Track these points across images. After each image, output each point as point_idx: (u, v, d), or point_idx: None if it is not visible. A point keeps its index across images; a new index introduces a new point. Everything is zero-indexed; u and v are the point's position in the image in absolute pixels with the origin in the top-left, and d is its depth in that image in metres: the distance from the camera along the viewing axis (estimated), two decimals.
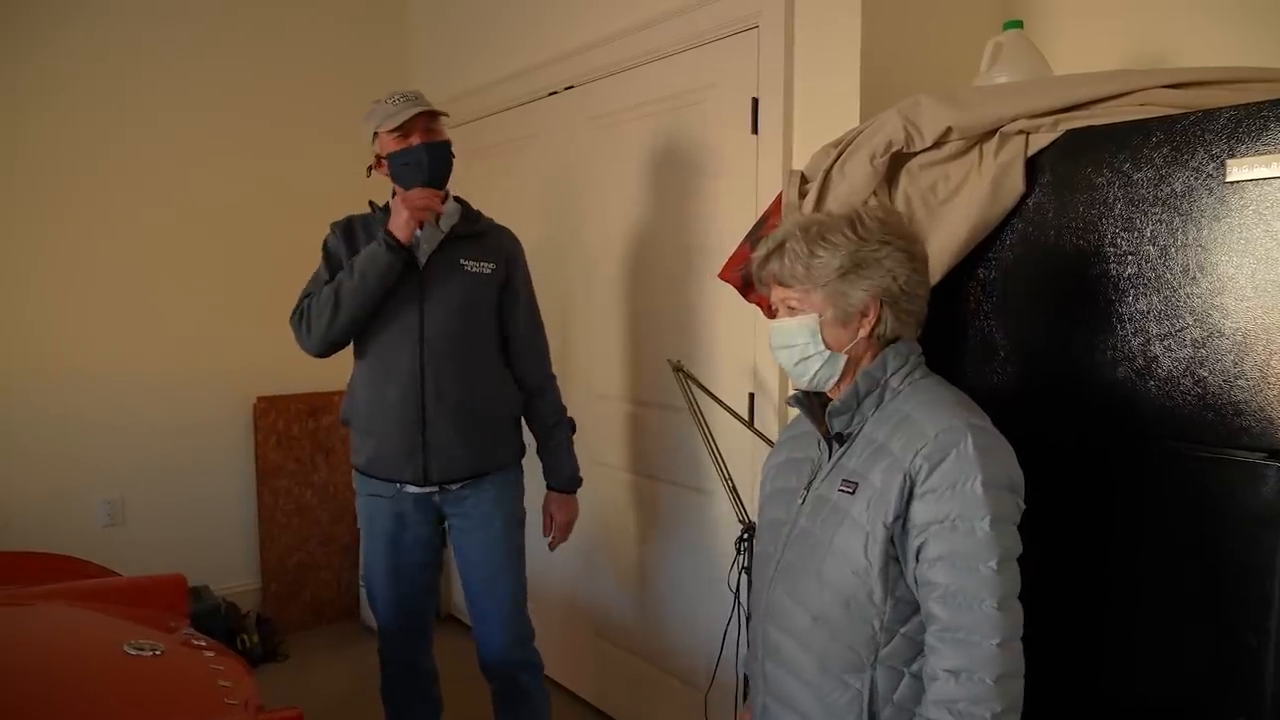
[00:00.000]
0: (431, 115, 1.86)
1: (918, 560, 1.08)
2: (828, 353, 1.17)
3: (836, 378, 1.19)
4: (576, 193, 2.67)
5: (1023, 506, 1.10)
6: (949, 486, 1.06)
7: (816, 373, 1.18)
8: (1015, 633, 1.05)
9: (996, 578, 1.03)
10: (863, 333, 1.16)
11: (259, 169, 3.20)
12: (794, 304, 1.18)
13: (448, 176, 1.91)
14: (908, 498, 1.08)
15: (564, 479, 2.08)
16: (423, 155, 1.84)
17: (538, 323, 2.09)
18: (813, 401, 1.25)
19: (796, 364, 1.19)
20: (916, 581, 1.09)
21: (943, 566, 1.05)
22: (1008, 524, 1.07)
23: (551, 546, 2.13)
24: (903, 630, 1.11)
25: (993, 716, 1.02)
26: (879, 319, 1.15)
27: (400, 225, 1.82)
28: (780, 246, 1.18)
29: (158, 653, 1.47)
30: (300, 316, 1.90)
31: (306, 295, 1.92)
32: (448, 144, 1.90)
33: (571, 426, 2.12)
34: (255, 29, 3.17)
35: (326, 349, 1.91)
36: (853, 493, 1.13)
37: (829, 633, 1.14)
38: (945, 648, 1.05)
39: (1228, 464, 1.15)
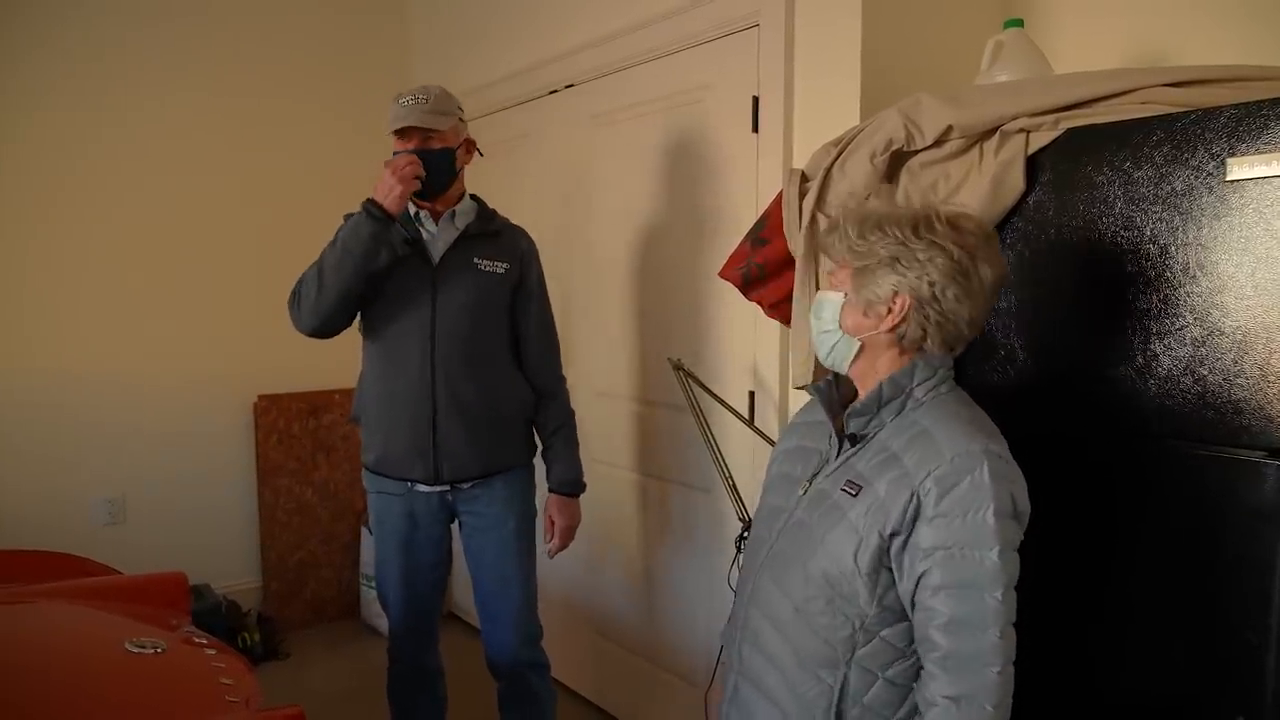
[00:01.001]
0: (425, 127, 1.82)
1: (918, 584, 1.07)
2: (839, 334, 1.17)
3: (849, 361, 1.19)
4: (576, 191, 2.67)
5: (1022, 536, 1.10)
6: (960, 514, 1.05)
7: (833, 349, 1.19)
8: (1010, 657, 1.06)
9: (1001, 607, 1.04)
10: (883, 327, 1.14)
11: (258, 168, 3.20)
12: (834, 280, 1.20)
13: (447, 183, 1.90)
14: (913, 517, 1.07)
15: (567, 481, 2.05)
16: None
17: (550, 324, 2.08)
18: (833, 394, 1.24)
19: (818, 335, 1.21)
20: (914, 604, 1.08)
21: (947, 595, 1.05)
22: (1012, 552, 1.07)
23: (551, 553, 2.07)
24: (883, 634, 1.11)
25: None
26: (904, 319, 1.12)
27: (385, 193, 1.77)
28: (841, 223, 1.18)
29: (159, 651, 1.47)
30: (293, 295, 1.87)
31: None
32: (445, 151, 1.87)
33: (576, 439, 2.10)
34: (253, 29, 3.17)
35: (318, 326, 1.85)
36: (855, 495, 1.13)
37: (809, 626, 1.14)
38: (946, 675, 1.05)
39: (1227, 462, 1.15)
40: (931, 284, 1.10)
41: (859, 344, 1.17)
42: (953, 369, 1.19)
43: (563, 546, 2.07)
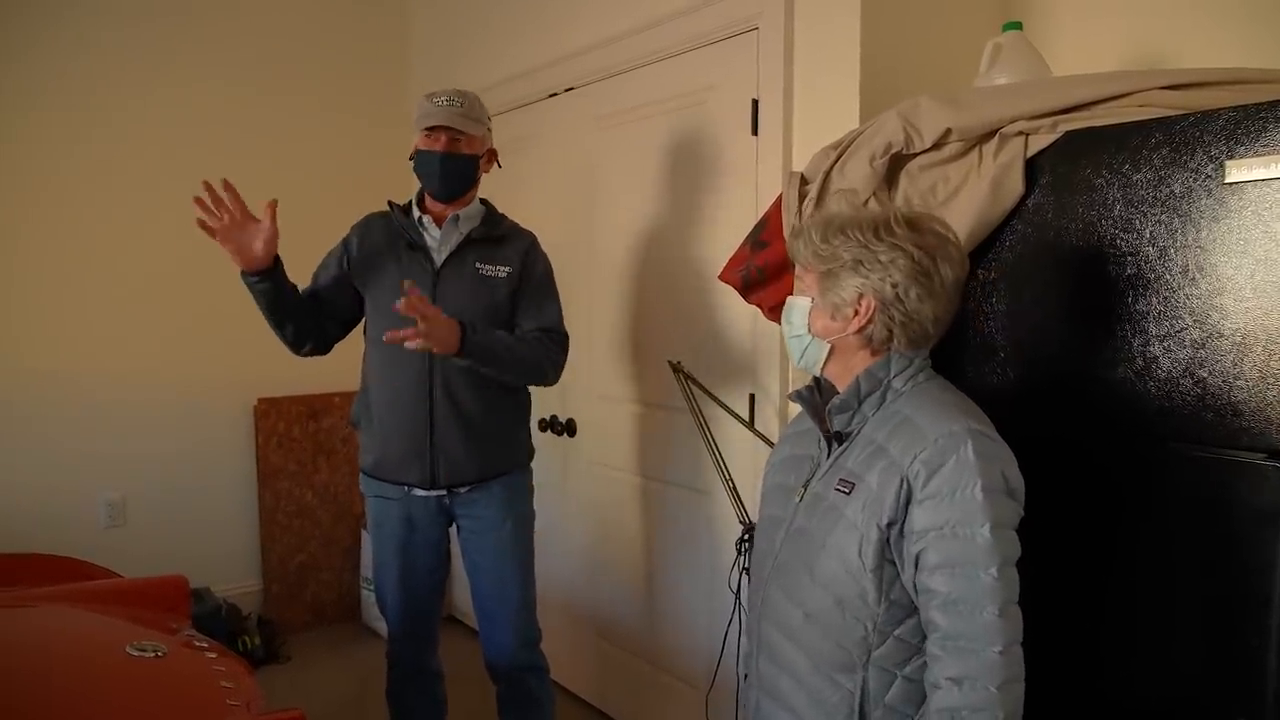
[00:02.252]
0: (458, 129, 1.86)
1: (917, 567, 1.08)
2: (809, 338, 1.20)
3: (821, 363, 1.21)
4: (577, 194, 2.67)
5: (1021, 513, 1.10)
6: (949, 493, 1.06)
7: (804, 353, 1.22)
8: (1016, 637, 1.05)
9: (997, 584, 1.04)
10: (850, 329, 1.16)
11: (258, 169, 3.17)
12: (801, 285, 1.22)
13: (464, 190, 1.92)
14: (905, 502, 1.08)
15: (469, 328, 1.77)
16: (435, 165, 1.87)
17: (547, 298, 1.99)
18: (815, 398, 1.25)
19: (789, 339, 1.24)
20: (915, 588, 1.09)
21: (943, 574, 1.05)
22: (1007, 529, 1.07)
23: (406, 295, 1.66)
24: (896, 633, 1.11)
25: None
26: (870, 320, 1.14)
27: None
28: (805, 229, 1.20)
29: (160, 654, 1.47)
30: None
31: (310, 286, 1.99)
32: (470, 158, 1.90)
33: (531, 367, 1.90)
34: (254, 31, 3.17)
35: (292, 350, 1.94)
36: (849, 493, 1.14)
37: (821, 631, 1.15)
38: (947, 656, 1.05)
39: (1227, 464, 1.15)
40: (894, 285, 1.12)
41: (829, 346, 1.19)
42: (929, 359, 1.21)
43: (414, 301, 1.66)
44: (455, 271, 1.91)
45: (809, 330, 1.20)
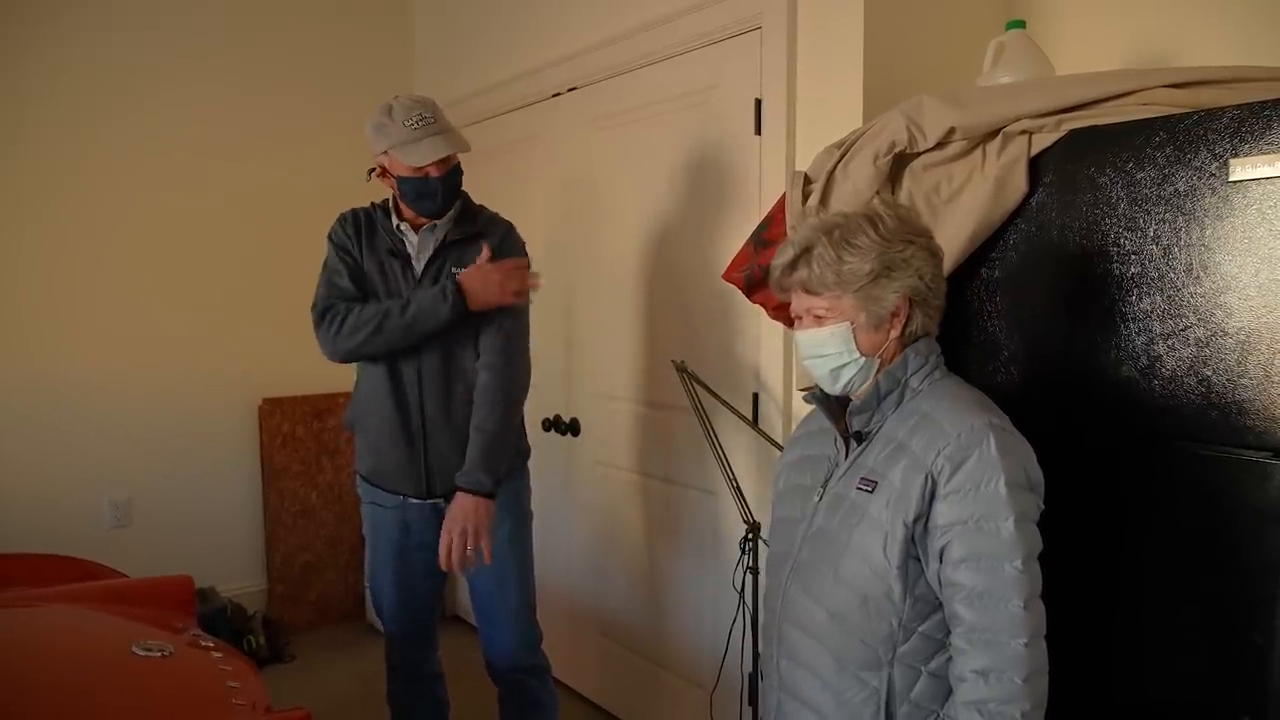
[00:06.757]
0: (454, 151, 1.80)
1: (941, 561, 1.08)
2: (862, 359, 1.17)
3: (870, 381, 1.18)
4: (580, 195, 2.68)
5: (1041, 507, 1.11)
6: (972, 487, 1.06)
7: (851, 379, 1.19)
8: (1040, 630, 1.06)
9: (1022, 577, 1.05)
10: (894, 334, 1.16)
11: (263, 170, 3.21)
12: (822, 312, 1.17)
13: (457, 197, 1.88)
14: (930, 497, 1.08)
15: (466, 475, 1.80)
16: (437, 189, 1.80)
17: (508, 309, 1.90)
18: (831, 399, 1.24)
19: (830, 372, 1.19)
20: (940, 582, 1.09)
21: (967, 568, 1.06)
22: (1029, 523, 1.08)
23: (442, 562, 1.79)
24: (921, 629, 1.11)
25: (1022, 715, 1.04)
26: (909, 318, 1.16)
27: (481, 295, 1.77)
28: (806, 252, 1.16)
29: (166, 654, 1.47)
30: (331, 321, 1.82)
31: (330, 296, 1.86)
32: (459, 167, 1.85)
33: (500, 430, 1.85)
34: (257, 33, 3.18)
35: (347, 360, 1.87)
36: (872, 491, 1.14)
37: (846, 630, 1.15)
38: (973, 649, 1.06)
39: (1232, 463, 1.15)
40: (922, 277, 1.15)
41: (879, 361, 1.17)
42: (942, 355, 1.21)
43: (454, 554, 1.78)
44: (434, 278, 1.85)
45: (859, 352, 1.16)
